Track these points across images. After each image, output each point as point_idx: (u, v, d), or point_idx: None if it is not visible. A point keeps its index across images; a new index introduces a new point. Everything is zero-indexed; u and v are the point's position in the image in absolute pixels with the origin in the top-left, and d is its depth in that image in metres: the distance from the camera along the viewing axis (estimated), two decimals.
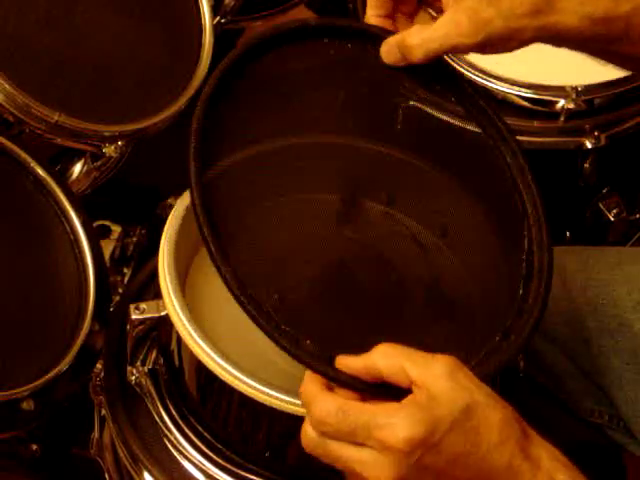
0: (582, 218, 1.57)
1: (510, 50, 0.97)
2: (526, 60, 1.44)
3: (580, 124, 1.46)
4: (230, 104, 0.97)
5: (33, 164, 1.23)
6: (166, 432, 1.08)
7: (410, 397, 0.83)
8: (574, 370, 1.25)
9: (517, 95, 1.45)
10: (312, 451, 0.86)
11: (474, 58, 1.45)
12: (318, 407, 0.84)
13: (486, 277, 1.00)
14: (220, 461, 1.06)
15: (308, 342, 0.88)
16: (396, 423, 0.81)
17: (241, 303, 0.88)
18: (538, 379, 1.26)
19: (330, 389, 0.87)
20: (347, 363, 0.86)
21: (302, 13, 1.89)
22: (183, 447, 1.07)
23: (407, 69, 1.00)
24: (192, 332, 0.98)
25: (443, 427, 0.81)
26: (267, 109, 1.00)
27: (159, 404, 1.10)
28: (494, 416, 0.83)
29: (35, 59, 1.27)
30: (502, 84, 1.44)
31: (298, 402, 0.93)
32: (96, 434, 1.22)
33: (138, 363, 1.11)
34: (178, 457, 1.07)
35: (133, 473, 1.10)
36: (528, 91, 1.45)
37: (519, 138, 1.46)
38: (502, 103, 1.45)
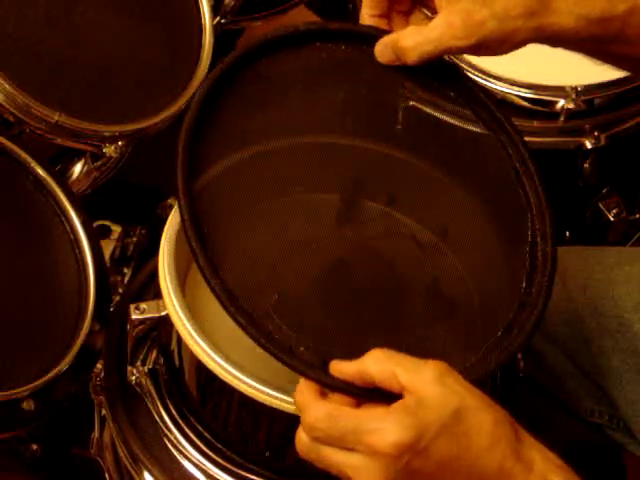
0: (582, 218, 1.57)
1: (505, 52, 0.97)
2: (526, 60, 1.44)
3: (580, 124, 1.46)
4: (224, 110, 0.98)
5: (33, 164, 1.23)
6: (166, 432, 1.08)
7: (400, 402, 0.84)
8: (574, 370, 1.25)
9: (517, 95, 1.45)
10: (306, 456, 0.87)
11: (474, 58, 1.45)
12: (310, 413, 0.86)
13: (487, 274, 1.00)
14: (220, 461, 1.06)
15: (302, 349, 0.89)
16: (384, 428, 0.82)
17: (230, 314, 0.89)
18: (538, 379, 1.26)
19: (324, 395, 0.88)
20: (341, 368, 0.87)
21: (302, 13, 1.89)
22: (183, 447, 1.07)
23: (404, 68, 1.00)
24: (192, 332, 0.98)
25: (431, 432, 0.82)
26: (264, 112, 1.00)
27: (159, 404, 1.10)
28: (485, 419, 0.84)
29: (35, 59, 1.27)
30: (502, 84, 1.44)
31: None
32: (96, 434, 1.22)
33: (138, 363, 1.11)
34: (178, 457, 1.07)
35: (133, 473, 1.10)
36: (528, 91, 1.45)
37: None
38: (502, 103, 1.45)
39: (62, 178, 1.28)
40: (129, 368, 1.11)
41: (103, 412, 1.17)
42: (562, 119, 1.45)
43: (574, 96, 1.43)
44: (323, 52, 1.02)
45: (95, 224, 1.35)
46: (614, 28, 0.96)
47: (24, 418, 1.10)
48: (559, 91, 1.44)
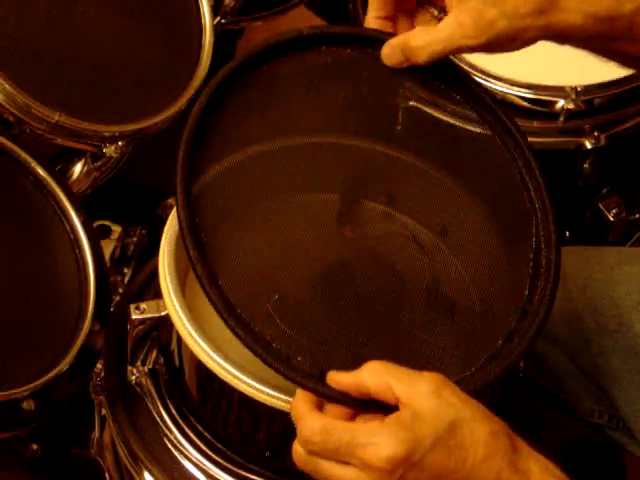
0: (582, 218, 1.57)
1: (515, 49, 0.97)
2: (526, 60, 1.44)
3: (580, 124, 1.46)
4: (224, 116, 0.98)
5: (33, 164, 1.23)
6: (166, 432, 1.08)
7: (394, 415, 0.84)
8: (574, 370, 1.25)
9: (517, 95, 1.45)
10: (303, 468, 0.88)
11: (474, 58, 1.45)
12: (305, 425, 0.86)
13: (488, 278, 1.00)
14: (220, 461, 1.06)
15: (299, 359, 0.89)
16: (378, 442, 0.83)
17: (229, 326, 0.89)
18: (538, 380, 1.26)
19: (320, 406, 0.88)
20: (338, 379, 0.87)
21: (302, 13, 1.89)
22: (183, 447, 1.07)
23: (407, 69, 1.00)
24: (192, 332, 0.98)
25: (426, 445, 0.83)
26: (264, 117, 1.01)
27: (159, 404, 1.10)
28: (480, 431, 0.84)
29: (35, 59, 1.27)
30: (502, 84, 1.44)
31: None
32: (96, 434, 1.22)
33: (138, 363, 1.11)
34: (178, 457, 1.07)
35: (133, 473, 1.10)
36: (528, 91, 1.45)
37: None
38: (502, 103, 1.44)
39: (62, 178, 1.28)
40: (129, 368, 1.11)
41: (103, 412, 1.17)
42: (562, 119, 1.45)
43: (574, 96, 1.43)
44: (328, 56, 1.02)
45: (95, 224, 1.35)
46: (621, 26, 0.97)
47: (24, 418, 1.10)
48: (559, 91, 1.44)
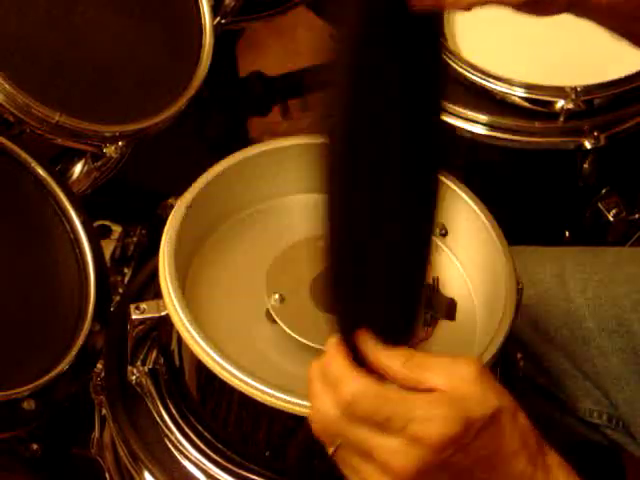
0: (582, 218, 1.57)
1: (547, 14, 0.94)
2: (526, 60, 1.45)
3: (579, 124, 1.46)
4: None
5: (33, 164, 1.23)
6: (166, 432, 1.08)
7: (445, 394, 0.81)
8: (573, 370, 1.25)
9: (517, 95, 1.45)
10: (327, 431, 0.83)
11: (474, 58, 1.45)
12: (353, 386, 0.81)
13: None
14: (220, 461, 1.06)
15: None
16: (434, 418, 0.79)
17: None
18: (537, 380, 1.26)
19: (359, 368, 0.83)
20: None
21: (302, 13, 1.89)
22: (183, 447, 1.07)
23: None
24: (192, 332, 0.98)
25: (475, 428, 0.80)
26: None
27: (159, 404, 1.10)
28: (517, 422, 0.83)
29: (35, 59, 1.27)
30: (502, 84, 1.44)
31: (298, 402, 0.93)
32: (96, 434, 1.22)
33: (138, 363, 1.11)
34: (178, 457, 1.07)
35: (133, 473, 1.10)
36: (528, 91, 1.45)
37: (519, 138, 1.48)
38: (502, 103, 1.45)
39: (62, 178, 1.29)
40: (129, 368, 1.10)
41: (103, 412, 1.17)
42: (562, 119, 1.45)
43: (574, 96, 1.43)
44: None
45: (95, 224, 1.35)
46: None
47: (24, 418, 1.10)
48: (559, 91, 1.44)
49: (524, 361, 1.12)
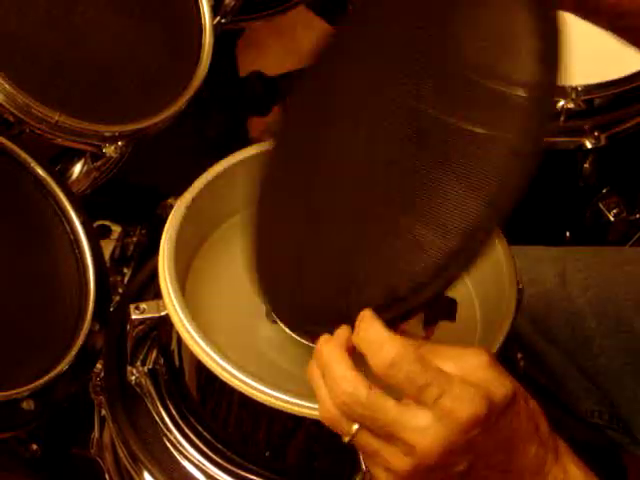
0: (582, 218, 1.57)
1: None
2: None
3: (580, 124, 1.46)
4: None
5: (33, 164, 1.23)
6: (166, 432, 1.08)
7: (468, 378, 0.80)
8: (574, 370, 1.25)
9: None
10: (351, 413, 0.81)
11: None
12: (396, 347, 0.79)
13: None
14: (220, 461, 1.06)
15: None
16: (468, 395, 0.79)
17: None
18: (538, 379, 1.26)
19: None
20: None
21: (302, 13, 1.89)
22: (183, 447, 1.07)
23: None
24: (192, 332, 0.98)
25: (498, 409, 0.80)
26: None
27: (159, 404, 1.10)
28: (529, 407, 0.83)
29: (35, 59, 1.27)
30: None
31: (298, 402, 0.93)
32: (96, 434, 1.22)
33: (138, 363, 1.11)
34: (178, 457, 1.07)
35: (133, 473, 1.10)
36: None
37: None
38: None
39: (62, 178, 1.28)
40: (129, 368, 1.11)
41: (103, 412, 1.17)
42: (562, 119, 1.45)
43: (574, 96, 1.43)
44: None
45: (95, 224, 1.35)
46: None
47: (24, 418, 1.10)
48: (559, 91, 1.44)
49: (524, 361, 1.12)
